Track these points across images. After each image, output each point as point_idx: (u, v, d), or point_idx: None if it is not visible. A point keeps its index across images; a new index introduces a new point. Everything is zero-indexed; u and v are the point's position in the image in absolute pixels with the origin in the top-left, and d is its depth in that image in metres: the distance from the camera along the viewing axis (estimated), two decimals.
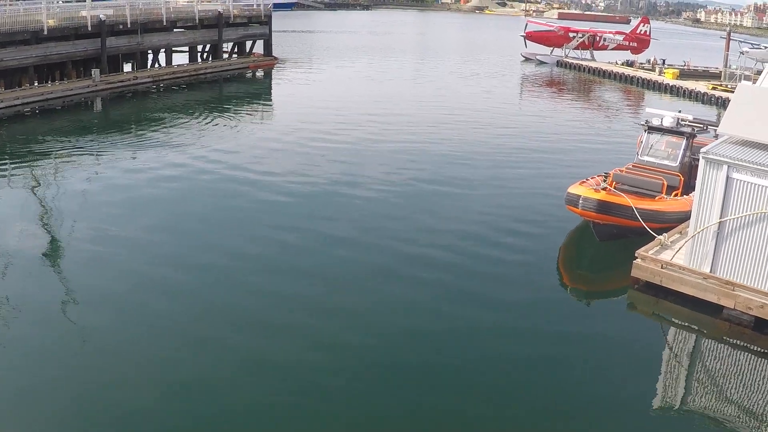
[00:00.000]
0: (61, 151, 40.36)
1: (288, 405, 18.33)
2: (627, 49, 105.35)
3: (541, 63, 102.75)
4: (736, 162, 23.94)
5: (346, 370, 20.03)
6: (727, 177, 24.21)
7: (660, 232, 27.72)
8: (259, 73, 74.51)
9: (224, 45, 74.59)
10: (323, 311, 23.08)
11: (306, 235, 28.97)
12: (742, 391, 21.10)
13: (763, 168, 23.43)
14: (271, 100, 61.42)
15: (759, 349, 23.03)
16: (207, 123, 49.10)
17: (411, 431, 17.80)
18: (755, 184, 23.76)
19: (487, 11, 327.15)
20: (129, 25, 62.22)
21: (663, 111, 33.68)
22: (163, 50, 68.56)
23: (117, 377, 19.04)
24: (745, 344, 23.26)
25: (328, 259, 26.96)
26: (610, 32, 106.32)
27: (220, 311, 22.86)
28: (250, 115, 52.86)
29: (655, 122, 32.60)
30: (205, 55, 74.03)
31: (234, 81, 69.21)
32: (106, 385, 18.67)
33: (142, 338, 21.09)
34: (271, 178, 36.13)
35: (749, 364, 22.68)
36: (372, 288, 25.14)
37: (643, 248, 26.61)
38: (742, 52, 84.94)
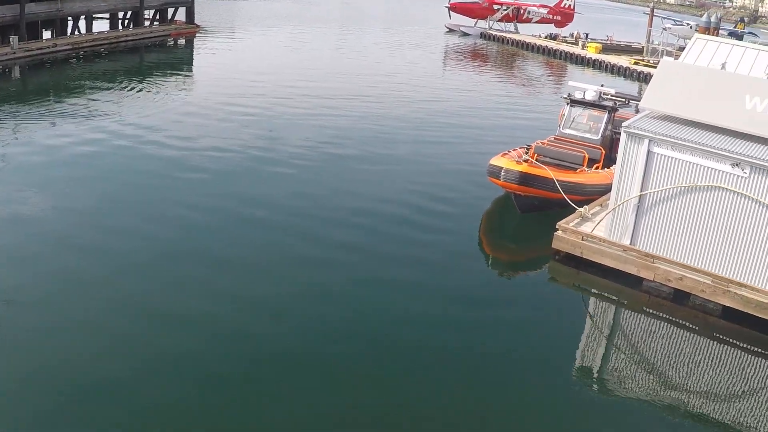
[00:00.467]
0: None
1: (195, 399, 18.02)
2: (551, 23, 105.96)
3: (465, 35, 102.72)
4: (657, 136, 24.22)
5: (256, 359, 19.23)
6: (648, 151, 24.48)
7: (581, 204, 27.98)
8: (181, 41, 73.20)
9: (146, 12, 72.90)
10: (233, 297, 22.01)
11: (219, 215, 27.86)
12: (661, 361, 21.46)
13: (683, 142, 23.74)
14: (192, 70, 60.25)
15: (677, 320, 23.45)
16: (127, 92, 47.86)
17: (343, 409, 17.69)
18: (675, 159, 24.08)
19: None
20: None
21: (585, 85, 33.96)
22: (83, 17, 66.59)
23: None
24: (665, 315, 23.67)
25: (242, 240, 26.01)
26: (534, 5, 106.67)
27: (123, 300, 21.41)
28: (171, 84, 51.62)
29: (578, 96, 32.83)
30: (126, 22, 72.30)
31: (155, 49, 67.77)
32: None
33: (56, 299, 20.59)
34: (189, 152, 34.97)
35: (668, 334, 23.09)
36: (292, 269, 24.30)
37: (563, 220, 26.82)
38: (664, 29, 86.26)
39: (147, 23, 73.57)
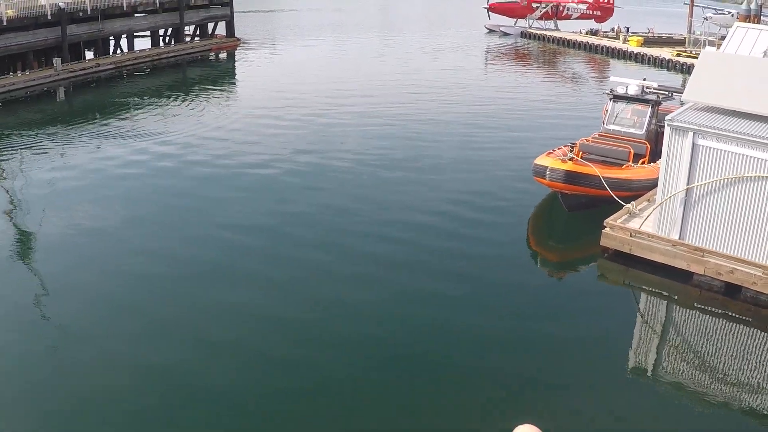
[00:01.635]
0: (25, 143, 39.78)
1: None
2: (591, 18, 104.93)
3: (505, 34, 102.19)
4: (702, 128, 23.97)
5: (344, 364, 19.69)
6: (693, 144, 24.23)
7: (628, 200, 27.71)
8: (222, 55, 73.90)
9: (186, 28, 73.69)
10: (276, 319, 22.01)
11: (262, 234, 27.89)
12: (714, 356, 21.27)
13: (727, 134, 23.47)
14: (234, 84, 60.93)
15: (730, 314, 23.16)
16: (171, 109, 48.53)
17: (389, 411, 17.78)
18: (721, 150, 23.80)
19: None
20: (89, 12, 61.13)
21: (628, 79, 33.69)
22: (124, 36, 67.62)
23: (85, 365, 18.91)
24: (716, 310, 23.40)
25: (285, 258, 25.91)
26: (573, 1, 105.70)
27: (193, 306, 22.34)
28: (214, 99, 52.12)
29: (620, 91, 32.53)
30: (167, 39, 73.20)
31: (197, 64, 68.55)
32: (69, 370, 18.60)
33: (106, 327, 20.95)
34: (231, 170, 35.19)
35: (721, 329, 22.85)
36: (351, 273, 24.68)
37: (611, 217, 26.64)
38: (705, 18, 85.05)
39: (188, 39, 74.36)
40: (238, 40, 78.92)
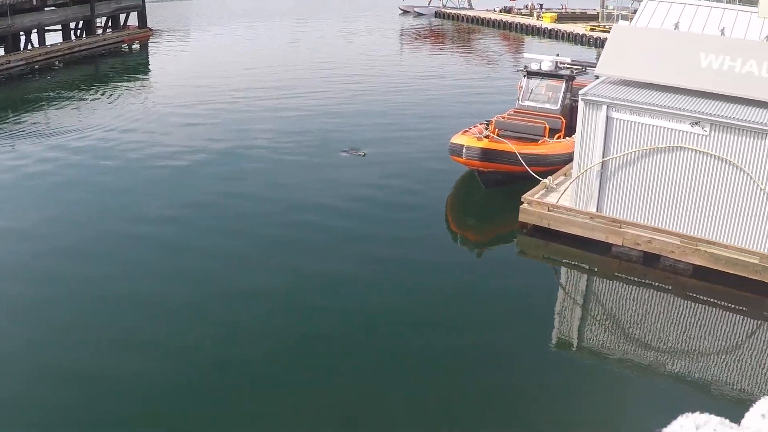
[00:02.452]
0: None
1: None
2: None
3: (419, 15, 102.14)
4: (615, 101, 24.14)
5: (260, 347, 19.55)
6: (607, 117, 24.39)
7: (544, 175, 27.85)
8: (135, 46, 72.32)
9: (98, 20, 71.79)
10: (225, 293, 21.97)
11: (189, 220, 27.29)
12: (636, 324, 21.47)
13: (641, 105, 23.70)
14: (148, 75, 59.36)
15: (649, 282, 23.47)
16: (86, 104, 46.89)
17: (311, 397, 17.53)
18: (634, 122, 24.01)
19: None
20: None
21: (541, 55, 33.82)
22: (35, 31, 65.58)
23: None
24: (636, 279, 23.69)
25: (218, 242, 25.41)
26: None
27: (106, 302, 21.40)
28: (128, 91, 50.57)
29: (534, 67, 32.68)
30: (79, 32, 71.24)
31: (110, 56, 66.74)
32: None
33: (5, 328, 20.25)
34: (150, 162, 33.82)
35: (641, 297, 23.12)
36: (270, 261, 24.10)
37: (528, 192, 26.69)
38: None
39: (100, 31, 72.60)
40: (151, 30, 77.28)
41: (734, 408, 17.63)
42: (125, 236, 25.74)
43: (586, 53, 66.30)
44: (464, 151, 28.38)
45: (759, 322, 21.90)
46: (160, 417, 16.35)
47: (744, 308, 22.21)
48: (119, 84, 53.20)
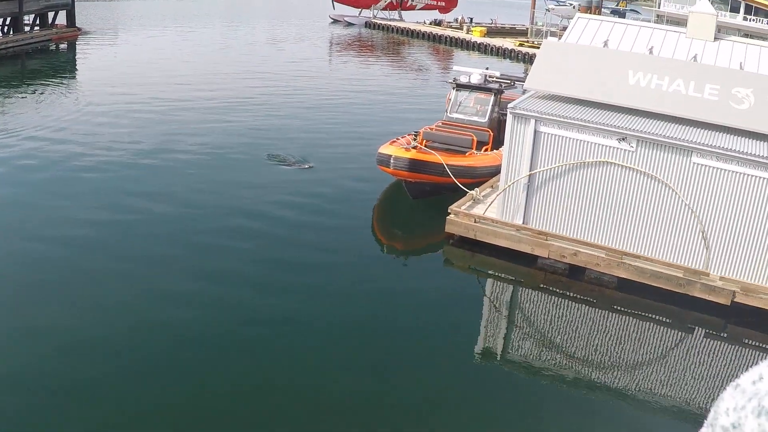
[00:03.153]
0: None
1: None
2: (435, 8, 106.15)
3: (350, 24, 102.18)
4: (543, 116, 24.40)
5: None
6: (535, 131, 24.62)
7: (472, 187, 27.97)
8: (63, 46, 70.87)
9: (26, 18, 70.15)
10: (153, 300, 21.40)
11: (114, 228, 26.10)
12: (561, 336, 21.67)
13: (569, 120, 24.00)
14: (75, 75, 57.98)
15: (575, 294, 23.68)
16: (10, 103, 45.75)
17: (240, 404, 17.24)
18: (562, 137, 24.30)
19: None
20: None
21: (470, 68, 34.11)
22: None
23: None
24: (561, 291, 23.87)
25: (141, 250, 24.57)
26: None
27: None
28: (55, 91, 49.24)
29: (463, 80, 32.86)
30: (5, 29, 69.55)
31: (37, 55, 65.18)
32: None
33: None
34: (71, 171, 31.59)
35: (566, 309, 23.33)
36: (197, 270, 23.30)
37: (455, 204, 26.71)
38: (547, 9, 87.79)
39: (27, 29, 71.03)
40: (79, 30, 75.79)
41: (660, 417, 17.99)
42: (39, 239, 24.75)
43: (514, 68, 67.15)
44: (392, 161, 28.34)
45: (682, 334, 22.31)
46: None
47: (668, 320, 22.58)
48: (46, 85, 51.93)
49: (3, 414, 15.52)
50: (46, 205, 27.65)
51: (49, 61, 64.25)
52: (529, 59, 70.62)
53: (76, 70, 60.51)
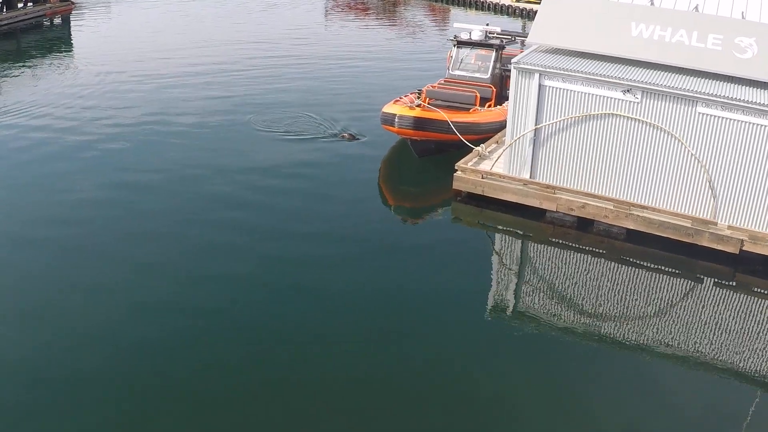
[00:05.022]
0: None
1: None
2: None
3: None
4: (547, 69, 24.46)
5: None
6: (540, 85, 24.71)
7: (477, 143, 28.12)
8: (57, 20, 70.08)
9: None
10: (163, 278, 21.30)
11: (116, 200, 26.13)
12: (571, 289, 21.91)
13: (573, 73, 24.06)
14: (71, 50, 57.41)
15: (583, 247, 23.95)
16: (7, 80, 45.50)
17: (254, 379, 17.48)
18: (567, 90, 24.39)
19: None
20: None
21: (471, 25, 34.02)
22: None
23: None
24: (570, 244, 24.12)
25: (148, 224, 24.40)
26: None
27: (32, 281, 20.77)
28: (51, 67, 48.83)
29: (464, 36, 32.82)
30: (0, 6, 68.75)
31: (31, 31, 64.45)
32: None
33: None
34: (68, 138, 32.34)
35: (576, 261, 23.53)
36: (205, 243, 23.26)
37: (462, 160, 26.92)
38: None
39: (20, 5, 70.30)
40: (73, 3, 74.82)
41: (671, 367, 18.26)
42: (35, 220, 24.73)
43: (512, 24, 66.68)
44: (396, 120, 28.38)
45: (692, 283, 22.55)
46: None
47: (677, 270, 22.83)
48: (42, 59, 51.61)
49: (11, 404, 15.81)
50: (41, 183, 27.61)
51: (43, 36, 63.61)
52: (527, 15, 70.22)
53: (72, 44, 59.89)
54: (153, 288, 20.39)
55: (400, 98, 30.67)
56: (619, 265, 23.19)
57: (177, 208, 25.61)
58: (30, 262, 21.51)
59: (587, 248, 23.90)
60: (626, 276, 22.78)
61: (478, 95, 30.91)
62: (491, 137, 29.13)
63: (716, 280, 22.80)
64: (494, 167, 26.48)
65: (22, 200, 25.93)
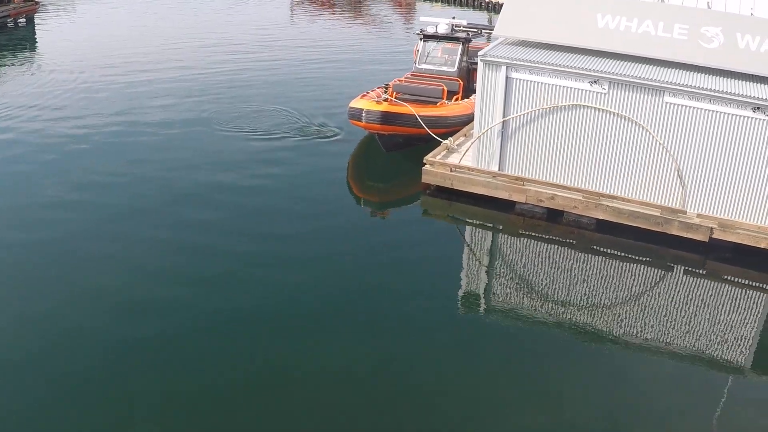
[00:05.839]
0: None
1: None
2: None
3: None
4: (514, 62, 24.47)
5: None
6: (507, 77, 24.71)
7: (445, 137, 28.08)
8: (21, 21, 69.22)
9: None
10: (139, 277, 21.15)
11: (89, 202, 25.70)
12: (542, 279, 21.91)
13: (540, 65, 24.09)
14: (36, 50, 56.90)
15: (553, 238, 24.00)
16: None
17: (233, 373, 17.37)
18: (534, 82, 24.42)
19: None
20: None
21: (437, 19, 34.04)
22: None
23: None
24: (540, 235, 24.16)
25: (121, 226, 23.99)
26: None
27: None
28: (16, 67, 48.54)
29: (430, 30, 32.79)
30: None
31: None
32: None
33: None
34: (37, 138, 32.16)
35: (547, 252, 23.55)
36: (177, 242, 22.99)
37: (430, 154, 26.85)
38: None
39: None
40: (37, 3, 73.90)
41: (643, 355, 18.31)
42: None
43: (478, 17, 66.84)
44: (364, 114, 28.23)
45: (662, 272, 22.64)
46: None
47: (647, 259, 22.94)
48: (6, 60, 50.91)
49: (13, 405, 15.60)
50: (3, 185, 27.21)
51: (8, 37, 62.90)
52: (492, 8, 70.42)
53: (36, 45, 59.22)
54: (127, 288, 20.09)
55: (367, 93, 30.51)
56: (590, 256, 23.26)
57: (145, 208, 25.17)
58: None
59: (557, 239, 23.94)
60: (597, 266, 22.85)
61: (445, 89, 30.84)
62: (459, 130, 29.11)
63: (686, 268, 22.93)
64: (463, 160, 26.45)
65: None
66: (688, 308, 20.64)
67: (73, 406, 15.53)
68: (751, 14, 24.43)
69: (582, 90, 23.81)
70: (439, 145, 27.53)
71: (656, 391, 16.95)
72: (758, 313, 20.52)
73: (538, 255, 23.47)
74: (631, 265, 22.67)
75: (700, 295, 21.41)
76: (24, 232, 23.11)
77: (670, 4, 24.79)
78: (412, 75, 32.61)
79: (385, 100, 28.67)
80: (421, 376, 17.11)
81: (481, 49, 26.28)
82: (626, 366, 18.03)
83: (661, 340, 18.92)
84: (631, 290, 21.44)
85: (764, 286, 22.00)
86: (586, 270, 22.58)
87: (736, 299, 21.29)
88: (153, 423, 15.23)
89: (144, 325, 18.32)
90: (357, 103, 28.97)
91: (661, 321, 19.79)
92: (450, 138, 28.02)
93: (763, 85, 22.39)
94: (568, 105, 24.09)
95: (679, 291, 21.72)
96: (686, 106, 22.67)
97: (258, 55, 50.42)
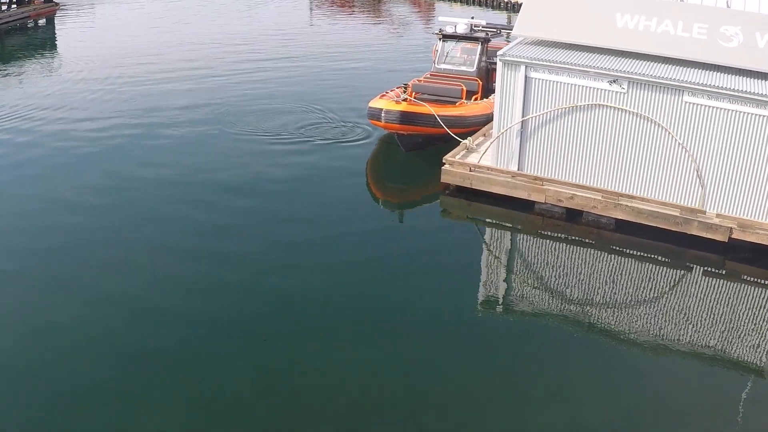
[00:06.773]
0: None
1: None
2: None
3: None
4: (533, 61, 24.48)
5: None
6: (526, 77, 24.73)
7: (464, 137, 28.12)
8: (42, 22, 69.64)
9: None
10: (150, 281, 21.35)
11: (104, 206, 25.79)
12: (562, 280, 21.89)
13: (559, 65, 24.09)
14: (56, 51, 57.00)
15: (572, 237, 24.00)
16: None
17: (253, 374, 17.48)
18: (553, 81, 24.42)
19: None
20: None
21: (456, 18, 34.07)
22: None
23: None
24: (559, 235, 24.16)
25: (136, 228, 24.21)
26: None
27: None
28: (36, 68, 48.65)
29: (449, 30, 32.87)
30: None
31: (16, 33, 64.09)
32: None
33: None
34: (58, 139, 32.46)
35: (565, 253, 23.58)
36: (194, 246, 23.17)
37: (449, 154, 26.90)
38: None
39: (4, 7, 69.70)
40: (57, 4, 74.33)
41: (662, 356, 18.30)
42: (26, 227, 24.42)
43: (497, 17, 66.75)
44: (383, 114, 28.32)
45: (681, 272, 22.61)
46: None
47: (666, 259, 22.91)
48: (27, 61, 51.18)
49: (29, 413, 15.70)
50: (20, 186, 27.44)
51: (28, 38, 63.27)
52: (511, 7, 70.34)
53: (56, 45, 59.39)
54: (143, 295, 20.19)
55: (386, 93, 30.58)
56: (609, 255, 23.25)
57: (162, 214, 25.22)
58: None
59: (577, 239, 23.94)
60: (616, 266, 22.83)
61: (464, 88, 30.88)
62: (478, 130, 29.15)
63: (706, 268, 22.88)
64: (482, 160, 26.48)
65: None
66: (707, 309, 20.61)
67: (86, 414, 15.61)
68: None
69: (601, 89, 23.79)
70: (458, 144, 27.57)
71: (675, 392, 16.96)
72: None
73: (557, 255, 23.48)
74: (650, 265, 22.64)
75: (719, 296, 21.35)
76: (40, 238, 23.23)
77: (689, 4, 24.76)
78: (431, 75, 32.67)
79: (405, 100, 28.73)
80: (440, 374, 17.18)
81: (500, 48, 26.27)
82: (645, 366, 18.01)
83: (679, 340, 18.91)
84: (650, 290, 21.42)
85: None
86: (604, 270, 22.57)
87: (755, 300, 21.23)
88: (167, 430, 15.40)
89: (163, 333, 18.40)
90: (376, 103, 29.05)
91: (679, 322, 19.78)
92: (469, 138, 28.06)
93: None
94: (588, 104, 24.08)
95: (698, 291, 21.68)
96: (706, 106, 22.62)
97: (277, 56, 50.48)
